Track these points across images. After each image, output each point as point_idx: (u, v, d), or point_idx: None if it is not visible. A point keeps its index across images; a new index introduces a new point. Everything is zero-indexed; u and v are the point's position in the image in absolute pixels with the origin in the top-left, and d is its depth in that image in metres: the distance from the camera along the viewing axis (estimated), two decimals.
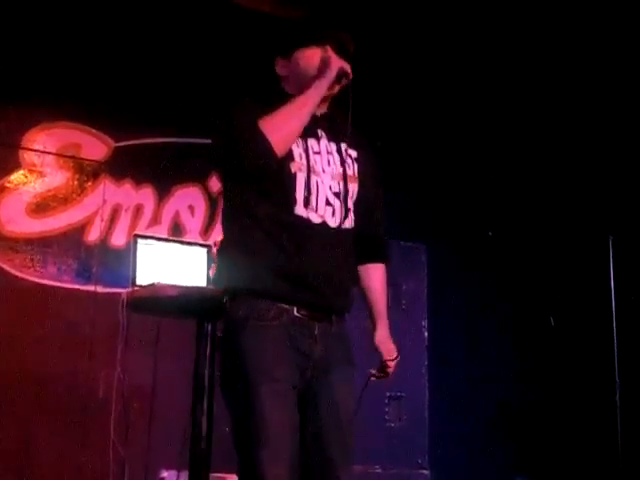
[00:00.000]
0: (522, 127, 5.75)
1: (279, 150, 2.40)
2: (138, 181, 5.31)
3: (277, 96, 2.58)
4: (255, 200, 2.50)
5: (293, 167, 2.48)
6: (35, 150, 5.05)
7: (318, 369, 2.52)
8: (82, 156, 5.17)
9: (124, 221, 5.23)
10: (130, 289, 3.96)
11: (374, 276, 2.79)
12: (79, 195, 5.13)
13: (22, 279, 4.89)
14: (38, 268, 4.95)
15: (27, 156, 5.03)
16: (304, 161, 2.50)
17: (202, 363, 3.91)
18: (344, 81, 2.54)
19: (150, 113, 5.34)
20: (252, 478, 2.40)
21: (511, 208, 5.87)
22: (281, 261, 2.47)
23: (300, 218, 2.49)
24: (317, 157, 2.55)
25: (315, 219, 2.52)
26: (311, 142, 2.55)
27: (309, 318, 2.50)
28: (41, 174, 5.06)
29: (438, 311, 5.27)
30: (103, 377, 4.63)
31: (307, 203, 2.49)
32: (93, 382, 4.71)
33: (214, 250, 4.23)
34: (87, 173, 5.18)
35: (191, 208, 5.46)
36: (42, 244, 4.99)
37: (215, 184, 5.55)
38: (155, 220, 5.32)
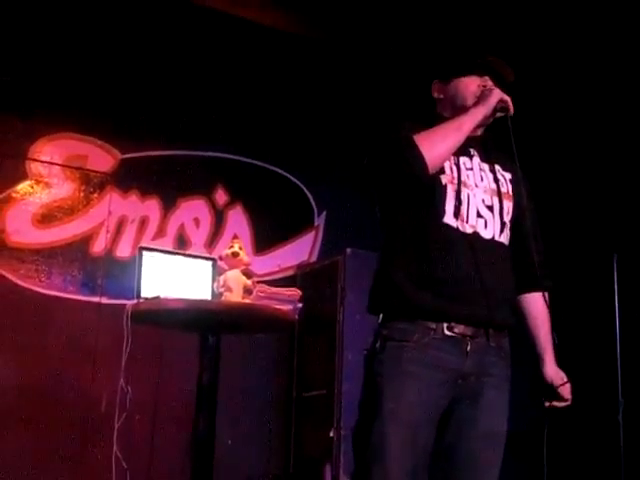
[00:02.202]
0: (527, 141, 5.74)
1: (432, 166, 2.46)
2: (144, 193, 5.31)
3: (431, 118, 2.65)
4: (404, 212, 2.55)
5: (444, 179, 2.54)
6: (42, 161, 5.05)
7: (468, 387, 2.49)
8: (88, 167, 5.18)
9: (129, 233, 5.23)
10: (135, 301, 3.97)
11: (536, 305, 2.74)
12: (85, 206, 5.14)
13: (27, 289, 4.89)
14: (43, 278, 4.96)
15: (34, 167, 5.04)
16: (455, 174, 2.55)
17: (205, 376, 3.91)
18: (502, 112, 2.59)
19: (157, 125, 5.35)
20: None
21: None
22: (427, 270, 2.47)
23: (448, 227, 2.51)
24: (469, 172, 2.60)
25: (466, 229, 2.53)
26: (463, 159, 2.60)
27: (461, 336, 2.47)
28: (47, 185, 5.07)
29: None
30: (106, 389, 4.62)
31: (457, 213, 2.51)
32: (96, 394, 4.70)
33: (219, 263, 4.24)
34: (93, 184, 5.18)
35: (196, 220, 5.46)
36: (47, 255, 4.99)
37: (221, 197, 5.56)
38: (160, 232, 5.32)
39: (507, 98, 2.59)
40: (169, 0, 5.21)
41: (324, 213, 5.89)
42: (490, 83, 2.64)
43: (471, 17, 5.05)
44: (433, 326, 2.46)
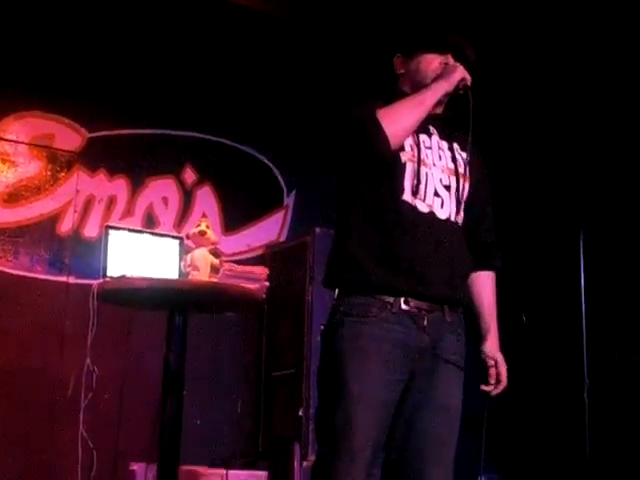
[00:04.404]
0: (495, 118, 5.74)
1: (394, 143, 2.46)
2: (112, 172, 5.27)
3: (392, 94, 2.64)
4: (363, 189, 2.55)
5: (403, 157, 2.54)
6: (8, 140, 5.00)
7: (424, 363, 2.50)
8: (56, 146, 5.13)
9: (97, 212, 5.19)
10: (100, 280, 3.94)
11: (484, 284, 2.74)
12: (52, 185, 5.09)
13: None
14: (10, 258, 4.91)
15: (0, 145, 4.99)
16: (415, 152, 2.56)
17: (172, 356, 3.89)
18: (462, 90, 2.60)
19: (125, 104, 5.30)
20: None
21: None
22: (384, 246, 2.48)
23: (407, 204, 2.52)
24: (428, 151, 2.60)
25: (423, 208, 2.54)
26: (422, 137, 2.60)
27: (418, 310, 2.49)
28: (14, 164, 5.02)
29: None
30: (74, 369, 4.60)
31: (416, 192, 2.52)
32: (64, 374, 4.68)
33: (186, 242, 4.23)
34: (60, 163, 5.14)
35: (165, 200, 5.43)
36: (14, 234, 4.94)
37: (189, 176, 5.53)
38: (128, 212, 5.29)
39: (468, 76, 2.60)
40: None
41: (293, 192, 5.88)
42: (452, 60, 2.64)
43: None
44: (390, 300, 2.47)
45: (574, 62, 5.43)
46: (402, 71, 2.72)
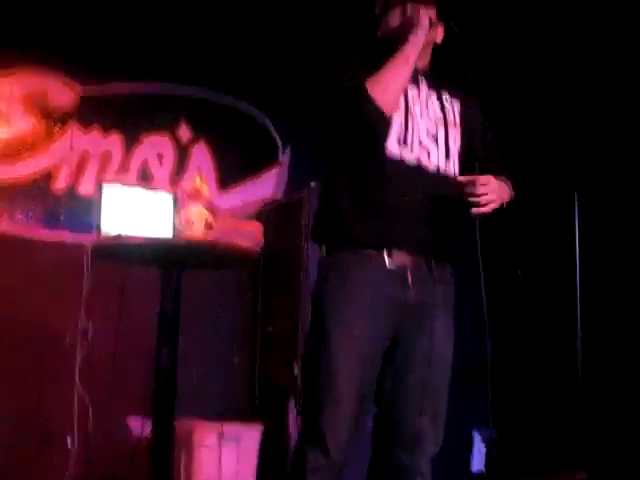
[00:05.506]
0: (491, 75, 5.70)
1: (388, 110, 2.47)
2: (106, 128, 5.24)
3: (377, 45, 2.65)
4: (349, 143, 2.55)
5: None
6: (1, 96, 4.97)
7: (411, 316, 2.51)
8: (49, 103, 5.10)
9: (92, 169, 5.17)
10: (95, 239, 3.94)
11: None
12: (46, 142, 5.07)
13: None
14: (4, 216, 4.91)
15: None
16: (402, 103, 2.55)
17: (167, 312, 3.90)
18: (433, 27, 2.58)
19: (120, 59, 5.26)
20: (312, 433, 2.45)
21: None
22: (367, 198, 2.49)
23: (392, 155, 2.52)
24: (416, 101, 2.60)
25: (409, 158, 2.53)
26: (410, 87, 2.60)
27: (402, 266, 2.48)
28: (7, 121, 4.99)
29: None
30: (69, 326, 4.61)
31: (401, 142, 2.52)
32: (59, 330, 4.68)
33: (180, 198, 4.21)
34: (54, 120, 5.11)
35: (160, 157, 5.40)
36: (8, 192, 4.93)
37: (184, 133, 5.50)
38: (123, 168, 5.26)
39: (432, 12, 2.58)
40: None
41: (289, 149, 5.85)
42: (411, 8, 2.59)
43: None
44: (374, 255, 2.47)
45: (571, 15, 5.38)
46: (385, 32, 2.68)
